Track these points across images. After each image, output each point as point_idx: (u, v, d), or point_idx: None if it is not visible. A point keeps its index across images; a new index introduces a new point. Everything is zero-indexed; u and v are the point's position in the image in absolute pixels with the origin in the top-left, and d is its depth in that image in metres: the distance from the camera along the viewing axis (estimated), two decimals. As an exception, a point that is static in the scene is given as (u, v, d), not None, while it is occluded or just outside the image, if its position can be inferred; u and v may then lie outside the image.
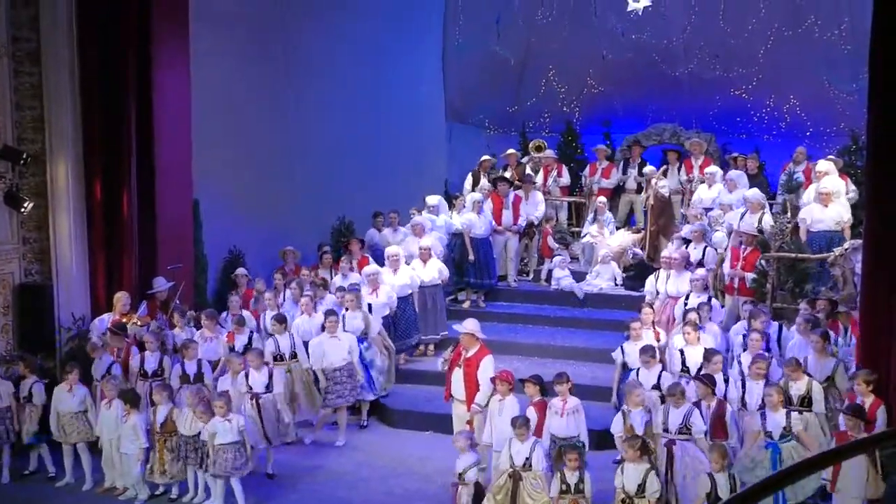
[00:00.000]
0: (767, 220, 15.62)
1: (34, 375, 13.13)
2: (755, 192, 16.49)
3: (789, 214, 15.71)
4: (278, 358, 13.74)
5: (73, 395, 12.78)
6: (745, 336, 13.02)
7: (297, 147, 18.29)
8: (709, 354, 12.33)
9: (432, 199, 17.86)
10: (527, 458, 10.91)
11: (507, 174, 19.12)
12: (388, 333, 15.28)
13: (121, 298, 14.23)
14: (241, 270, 16.11)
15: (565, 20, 22.08)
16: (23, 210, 14.10)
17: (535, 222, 18.34)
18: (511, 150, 20.05)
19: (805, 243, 15.02)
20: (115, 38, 14.60)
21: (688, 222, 16.92)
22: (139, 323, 14.16)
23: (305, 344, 14.03)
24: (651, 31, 21.32)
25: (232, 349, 13.88)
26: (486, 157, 19.51)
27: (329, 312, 14.11)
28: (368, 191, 18.87)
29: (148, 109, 14.85)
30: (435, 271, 16.12)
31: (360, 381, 14.10)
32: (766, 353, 12.51)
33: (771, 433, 11.14)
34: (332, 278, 16.12)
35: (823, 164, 16.27)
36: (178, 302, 14.72)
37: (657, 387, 12.22)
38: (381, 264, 15.97)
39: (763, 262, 14.64)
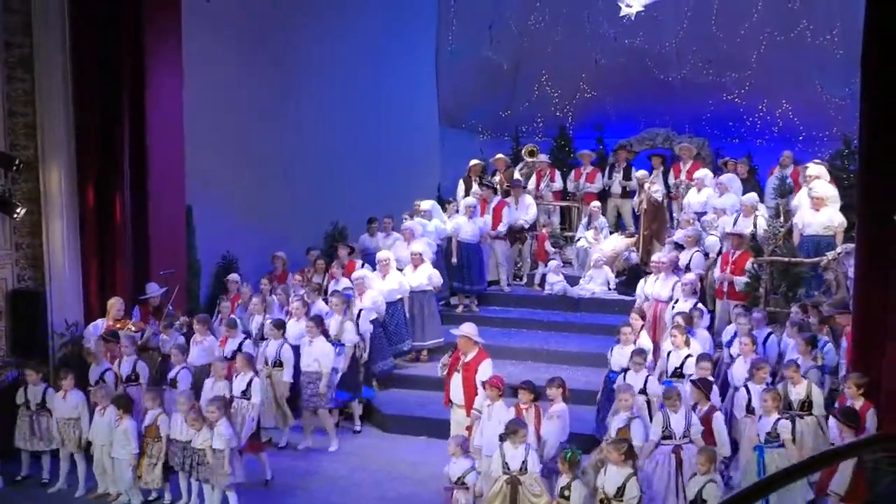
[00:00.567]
0: (761, 224, 15.65)
1: (44, 382, 13.12)
2: (750, 196, 16.54)
3: (782, 218, 15.73)
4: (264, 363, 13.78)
5: (66, 402, 12.77)
6: (731, 338, 13.09)
7: (290, 152, 18.28)
8: (699, 359, 12.35)
9: (425, 204, 17.87)
10: (522, 462, 10.91)
11: (496, 178, 19.14)
12: (382, 339, 15.26)
13: (115, 304, 14.22)
14: (232, 276, 16.10)
15: (558, 25, 22.12)
16: (15, 216, 14.05)
17: (526, 226, 18.36)
18: (499, 155, 20.06)
19: (796, 247, 15.04)
20: (107, 43, 14.60)
21: (680, 227, 16.93)
22: (133, 329, 14.14)
23: (295, 349, 14.04)
24: (644, 36, 21.35)
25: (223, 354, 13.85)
26: (474, 161, 19.52)
27: (313, 317, 14.12)
28: (362, 196, 18.86)
29: (141, 115, 14.85)
30: (424, 277, 16.11)
31: (322, 391, 13.87)
32: (765, 359, 12.53)
33: (759, 436, 11.21)
34: (324, 283, 16.11)
35: (814, 168, 16.28)
36: (171, 308, 14.70)
37: (643, 392, 12.23)
38: (376, 269, 15.98)
39: (755, 265, 14.67)
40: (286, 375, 13.81)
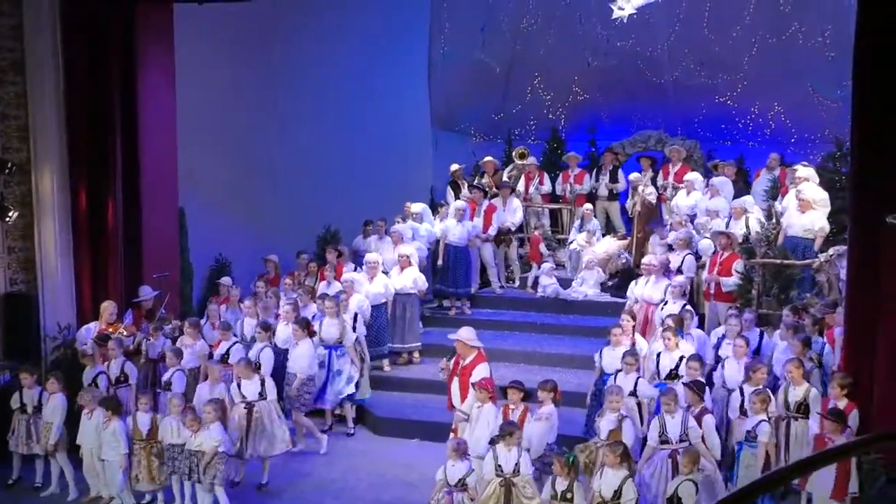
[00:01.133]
0: (753, 226, 15.68)
1: (39, 386, 13.11)
2: (741, 199, 16.58)
3: (774, 220, 15.75)
4: (256, 367, 13.71)
5: (49, 405, 12.78)
6: (719, 339, 13.13)
7: (283, 156, 18.29)
8: (689, 359, 12.37)
9: (416, 207, 17.88)
10: (515, 464, 10.91)
11: (485, 180, 19.16)
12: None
13: (107, 308, 14.20)
14: (225, 279, 16.10)
15: (550, 28, 22.13)
16: (8, 219, 14.06)
17: (512, 229, 18.37)
18: (488, 158, 20.08)
19: (780, 248, 15.06)
20: (99, 46, 14.60)
21: (672, 229, 16.93)
22: (125, 333, 14.12)
23: (284, 352, 14.03)
24: (636, 39, 21.36)
25: (210, 356, 13.83)
26: (455, 165, 19.54)
27: (299, 320, 14.12)
28: (355, 199, 18.86)
29: (133, 118, 14.85)
30: (409, 280, 16.09)
31: (293, 393, 13.91)
32: (761, 361, 12.55)
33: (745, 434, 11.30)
34: (315, 286, 16.11)
35: (803, 171, 16.28)
36: (163, 311, 14.69)
37: (633, 393, 12.24)
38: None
39: (745, 267, 14.69)
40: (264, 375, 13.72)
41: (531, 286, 18.19)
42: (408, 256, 16.14)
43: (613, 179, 19.53)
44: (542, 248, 18.53)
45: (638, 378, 12.42)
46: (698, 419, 11.40)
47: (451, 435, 12.07)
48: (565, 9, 21.94)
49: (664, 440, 11.27)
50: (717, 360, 13.06)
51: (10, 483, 13.16)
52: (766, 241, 14.81)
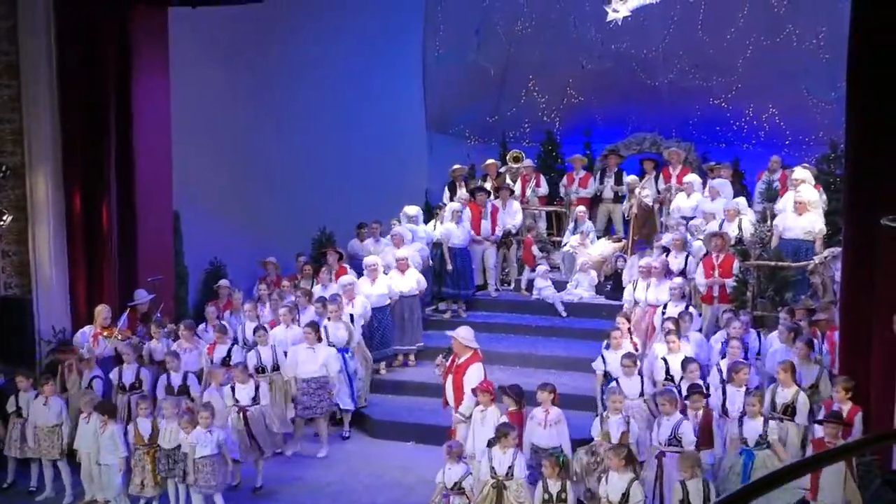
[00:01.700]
0: (747, 228, 15.69)
1: (34, 390, 13.08)
2: (733, 201, 16.62)
3: (769, 223, 15.77)
4: (260, 370, 13.71)
5: (48, 409, 12.74)
6: (724, 343, 13.09)
7: (278, 158, 18.27)
8: (685, 363, 12.37)
9: (412, 210, 17.87)
10: (509, 467, 10.90)
11: (487, 184, 19.17)
12: (366, 344, 15.27)
13: (101, 311, 14.17)
14: (223, 282, 16.09)
15: (545, 30, 22.11)
16: (2, 223, 14.04)
17: (513, 231, 18.39)
18: (490, 161, 20.08)
19: (775, 250, 15.07)
20: (94, 49, 14.58)
21: (668, 231, 16.95)
22: (120, 336, 14.11)
23: (285, 354, 14.02)
24: (630, 41, 21.35)
25: (210, 361, 13.81)
26: (456, 165, 19.54)
27: (309, 323, 14.08)
28: (350, 201, 18.85)
29: (128, 121, 14.84)
30: (413, 281, 16.13)
31: (333, 393, 14.00)
32: (745, 361, 12.54)
33: (746, 440, 11.18)
34: (312, 289, 16.09)
35: (800, 172, 16.32)
36: (159, 314, 14.67)
37: (642, 395, 12.24)
38: (363, 275, 15.98)
39: (742, 269, 14.70)
40: (286, 375, 13.84)
41: (525, 288, 18.19)
42: (406, 259, 16.14)
43: (619, 182, 19.50)
44: (535, 250, 18.52)
45: (643, 379, 12.41)
46: (707, 422, 11.42)
47: (451, 436, 12.09)
48: (559, 11, 21.93)
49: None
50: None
51: (4, 487, 13.13)
52: (760, 243, 14.82)
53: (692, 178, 18.17)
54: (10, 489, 13.14)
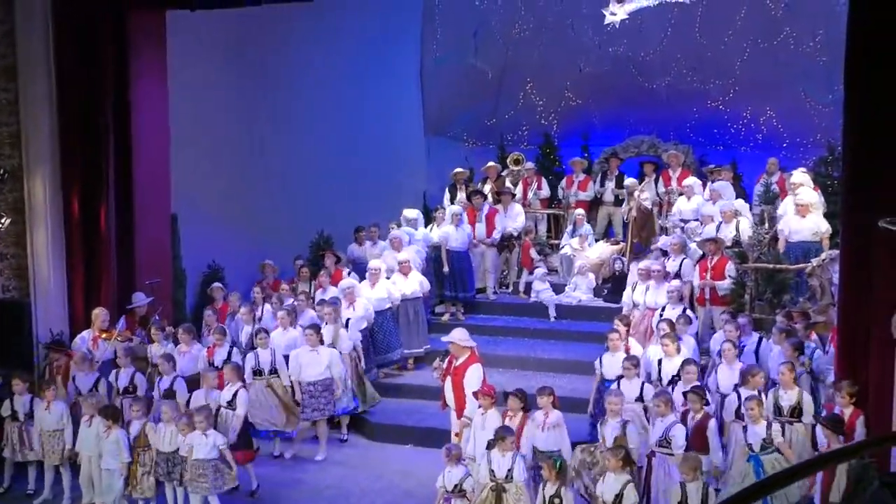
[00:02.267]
0: (745, 230, 15.70)
1: (30, 393, 13.07)
2: (729, 203, 16.62)
3: (767, 225, 15.78)
4: (258, 373, 13.70)
5: (50, 413, 12.72)
6: (721, 346, 13.10)
7: (276, 161, 18.26)
8: (684, 364, 12.36)
9: (411, 213, 17.89)
10: (508, 470, 10.90)
11: (487, 187, 19.17)
12: (369, 348, 15.25)
13: (99, 315, 14.15)
14: (216, 285, 16.09)
15: (543, 33, 22.13)
16: (0, 226, 14.03)
17: (515, 234, 18.39)
18: (491, 163, 20.09)
19: (783, 254, 15.10)
20: (91, 52, 14.57)
21: (667, 234, 16.97)
22: (120, 339, 14.10)
23: (284, 358, 14.02)
24: (628, 44, 21.37)
25: (212, 364, 13.79)
26: (458, 169, 19.55)
27: (311, 325, 14.08)
28: (348, 205, 18.87)
29: (125, 124, 14.82)
30: (416, 284, 16.16)
31: (338, 395, 14.01)
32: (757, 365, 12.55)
33: (751, 445, 11.16)
34: (311, 292, 16.09)
35: (798, 176, 16.35)
36: (157, 317, 14.66)
37: (640, 399, 12.24)
38: (364, 278, 15.98)
39: (740, 271, 14.71)
40: (285, 379, 13.81)
41: (523, 291, 18.20)
42: (408, 261, 16.15)
43: (620, 185, 19.51)
44: (533, 253, 18.53)
45: (643, 383, 12.41)
46: (702, 425, 11.40)
47: (456, 439, 12.09)
48: (557, 14, 21.94)
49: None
50: (713, 365, 13.05)
51: (1, 491, 13.12)
52: (758, 246, 14.83)
53: (692, 181, 18.21)
54: (7, 493, 13.12)
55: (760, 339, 13.38)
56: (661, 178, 19.29)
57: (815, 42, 20.32)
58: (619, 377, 12.60)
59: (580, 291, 17.66)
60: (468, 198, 18.20)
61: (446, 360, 12.78)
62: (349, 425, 14.83)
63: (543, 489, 10.72)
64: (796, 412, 11.61)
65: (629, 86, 21.69)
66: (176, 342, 14.17)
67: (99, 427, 12.20)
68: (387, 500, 12.76)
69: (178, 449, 11.91)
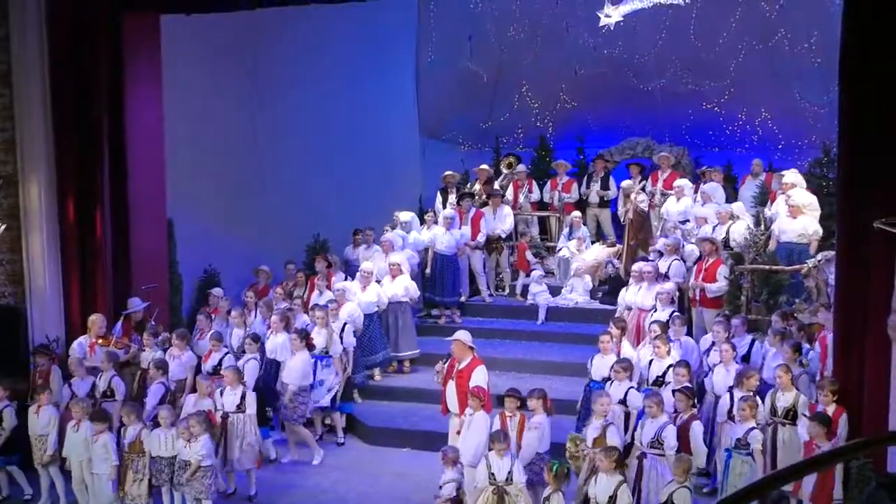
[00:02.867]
0: (740, 231, 15.71)
1: (6, 399, 13.04)
2: (726, 204, 16.66)
3: (762, 226, 15.79)
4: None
5: (38, 418, 12.72)
6: (709, 347, 13.15)
7: (271, 166, 18.26)
8: (675, 366, 12.37)
9: (405, 216, 17.88)
10: (508, 472, 10.91)
11: (476, 188, 19.18)
12: (356, 350, 15.25)
13: (96, 321, 14.12)
14: (215, 290, 16.10)
15: (538, 36, 22.14)
16: (-5, 232, 14.02)
17: (503, 236, 18.39)
18: (483, 166, 20.09)
19: (770, 254, 15.10)
20: (86, 58, 14.55)
21: (665, 235, 16.97)
22: (119, 345, 14.08)
23: (277, 363, 14.00)
24: (623, 46, 21.39)
25: (200, 370, 13.79)
26: (448, 172, 19.56)
27: (296, 330, 14.12)
28: (344, 208, 18.88)
29: (121, 129, 14.80)
30: (401, 288, 16.14)
31: (305, 401, 13.98)
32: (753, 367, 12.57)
33: (731, 440, 11.33)
34: (305, 296, 16.09)
35: (791, 176, 16.35)
36: (153, 322, 14.65)
37: (622, 402, 12.23)
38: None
39: (733, 273, 14.72)
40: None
41: (520, 294, 18.21)
42: (398, 265, 16.15)
43: (604, 187, 19.57)
44: (529, 255, 18.54)
45: (629, 388, 12.40)
46: (686, 426, 11.40)
47: (453, 441, 12.11)
48: (552, 17, 21.95)
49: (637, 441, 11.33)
50: (710, 367, 13.04)
51: (1, 499, 13.10)
52: (754, 247, 14.84)
53: (682, 182, 18.22)
54: (6, 501, 13.10)
55: (753, 342, 13.37)
56: (649, 180, 19.29)
57: (809, 43, 20.35)
58: (607, 379, 12.60)
59: (577, 294, 17.67)
60: (458, 201, 18.20)
61: (447, 364, 12.76)
62: (345, 428, 14.83)
63: (543, 492, 10.76)
64: (791, 414, 11.62)
65: (624, 88, 21.72)
66: (169, 348, 14.14)
67: (87, 432, 12.18)
68: (383, 502, 12.74)
69: (175, 454, 11.90)
